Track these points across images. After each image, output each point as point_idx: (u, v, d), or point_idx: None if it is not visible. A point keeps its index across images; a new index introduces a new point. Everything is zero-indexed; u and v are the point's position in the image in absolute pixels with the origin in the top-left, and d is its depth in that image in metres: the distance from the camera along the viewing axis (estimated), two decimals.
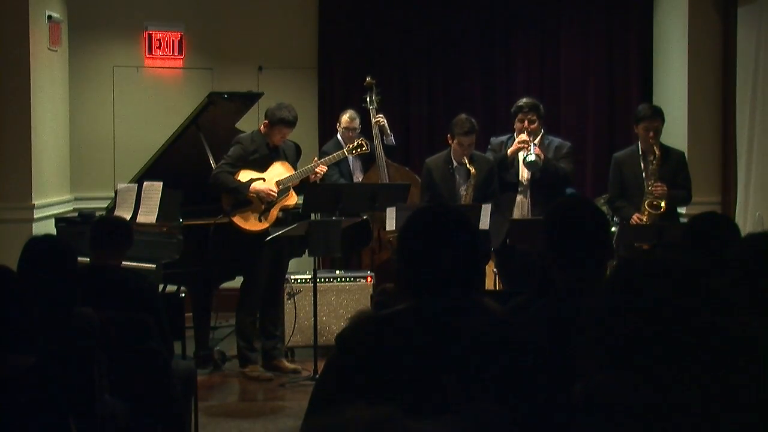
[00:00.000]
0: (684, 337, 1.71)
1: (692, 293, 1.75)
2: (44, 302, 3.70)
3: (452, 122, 7.30)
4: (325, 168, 7.33)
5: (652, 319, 1.74)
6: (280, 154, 7.27)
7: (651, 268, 1.82)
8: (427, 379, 2.32)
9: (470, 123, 7.20)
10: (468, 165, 7.17)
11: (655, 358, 1.72)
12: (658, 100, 9.03)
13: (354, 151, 7.51)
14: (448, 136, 7.30)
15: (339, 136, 8.20)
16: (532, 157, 7.14)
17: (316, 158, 7.43)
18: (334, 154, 7.52)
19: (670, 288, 1.76)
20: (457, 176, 7.33)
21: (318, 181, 7.38)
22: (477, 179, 7.18)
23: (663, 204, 6.87)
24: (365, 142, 7.54)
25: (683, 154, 7.38)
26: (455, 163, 7.31)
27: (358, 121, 8.20)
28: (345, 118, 8.20)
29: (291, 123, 7.11)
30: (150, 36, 9.36)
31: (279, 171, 7.20)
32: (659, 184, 6.91)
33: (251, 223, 7.09)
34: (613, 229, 6.74)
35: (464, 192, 7.26)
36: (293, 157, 7.42)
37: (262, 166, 7.16)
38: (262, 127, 7.20)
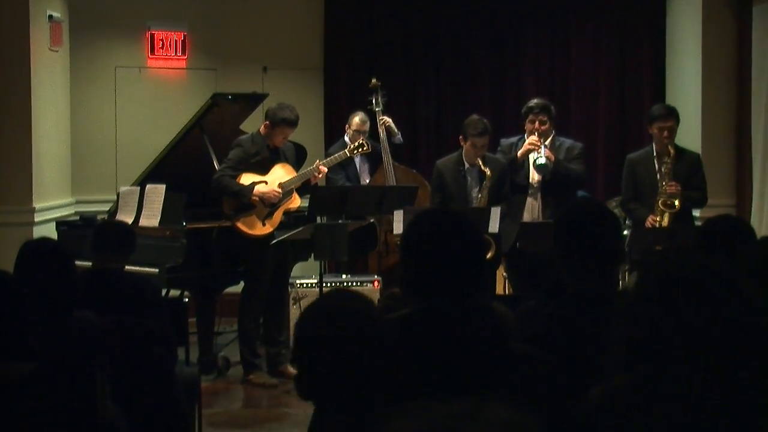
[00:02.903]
0: (705, 339, 1.72)
1: (717, 294, 1.75)
2: (42, 306, 3.71)
3: (464, 123, 7.30)
4: (325, 168, 7.32)
5: (673, 320, 1.75)
6: (280, 156, 7.27)
7: (679, 273, 1.82)
8: (434, 383, 2.33)
9: (483, 124, 7.20)
10: (482, 167, 7.17)
11: (675, 360, 1.73)
12: (671, 100, 9.02)
13: (356, 151, 7.51)
14: (460, 137, 7.30)
15: (347, 138, 8.20)
16: (542, 160, 7.14)
17: (318, 160, 7.43)
18: (336, 155, 7.52)
19: (696, 292, 1.76)
20: (469, 178, 7.32)
21: (318, 183, 7.38)
22: (492, 181, 7.17)
23: (677, 203, 6.86)
24: (366, 142, 7.54)
25: (698, 155, 7.36)
26: (467, 165, 7.30)
27: (368, 124, 8.21)
28: (356, 120, 8.21)
29: (293, 123, 7.11)
30: (152, 36, 9.38)
31: (281, 173, 7.20)
32: (673, 182, 6.90)
33: (255, 228, 7.09)
34: (625, 232, 6.73)
35: (477, 195, 7.25)
36: (293, 158, 7.42)
37: (264, 169, 7.15)
38: (262, 128, 7.19)
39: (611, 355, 1.94)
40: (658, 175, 7.00)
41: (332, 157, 7.54)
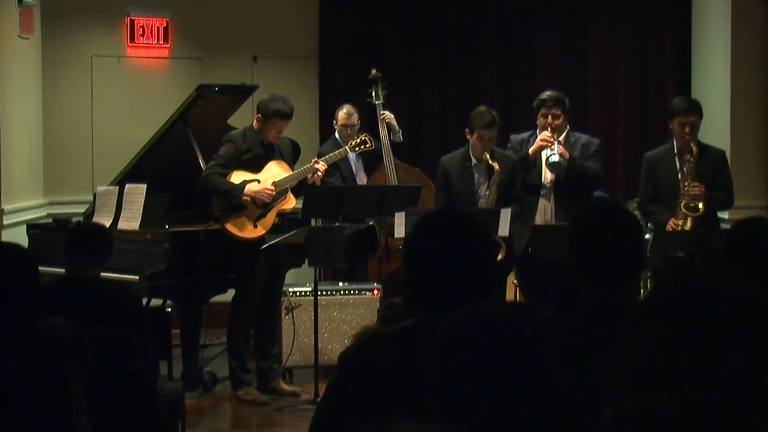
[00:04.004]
0: (720, 355, 1.73)
1: (732, 310, 1.76)
2: (5, 316, 3.70)
3: (471, 115, 7.31)
4: (325, 166, 7.32)
5: (686, 337, 1.76)
6: (275, 153, 7.27)
7: (688, 288, 1.84)
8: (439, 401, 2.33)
9: (491, 115, 7.22)
10: (489, 161, 7.17)
11: (689, 378, 1.74)
12: (697, 93, 9.03)
13: (357, 148, 7.52)
14: (466, 130, 7.31)
15: (337, 135, 8.21)
16: (555, 158, 7.14)
17: (314, 159, 7.43)
18: (335, 152, 7.53)
19: (709, 308, 1.78)
20: (477, 175, 7.33)
21: (318, 183, 7.39)
22: (500, 177, 7.18)
23: (701, 205, 6.86)
24: (369, 138, 7.55)
25: (723, 152, 7.36)
26: (474, 161, 7.31)
27: (356, 117, 8.21)
28: (341, 114, 8.22)
29: (287, 115, 7.11)
30: (132, 22, 9.38)
31: (275, 171, 7.21)
32: (696, 183, 6.90)
33: (246, 230, 7.10)
34: (646, 236, 6.74)
35: (485, 192, 7.26)
36: (289, 155, 7.43)
37: (257, 167, 7.16)
38: (254, 122, 7.20)
39: (621, 373, 1.95)
40: (680, 175, 7.00)
41: (332, 154, 7.53)
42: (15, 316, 3.77)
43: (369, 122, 8.42)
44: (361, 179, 8.31)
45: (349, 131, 8.03)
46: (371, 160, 8.31)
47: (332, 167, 7.91)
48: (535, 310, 2.24)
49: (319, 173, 7.27)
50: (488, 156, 7.19)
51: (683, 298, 1.79)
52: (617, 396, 1.98)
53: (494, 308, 2.15)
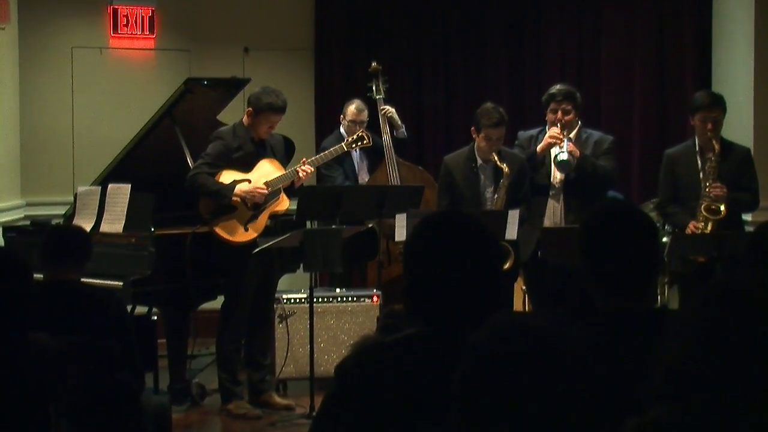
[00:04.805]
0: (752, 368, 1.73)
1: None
2: None
3: (477, 113, 7.31)
4: (310, 169, 7.28)
5: (722, 346, 1.77)
6: (267, 151, 7.27)
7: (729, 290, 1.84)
8: (440, 416, 2.34)
9: (499, 113, 7.21)
10: (498, 163, 7.17)
11: (720, 393, 1.74)
12: (717, 87, 9.02)
13: (353, 145, 7.52)
14: (472, 129, 7.31)
15: (342, 130, 8.22)
16: (564, 156, 7.14)
17: (304, 159, 7.39)
18: (330, 150, 7.53)
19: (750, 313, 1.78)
20: (482, 176, 7.33)
21: (303, 184, 7.35)
22: (509, 179, 7.17)
23: (722, 208, 6.85)
24: (366, 135, 7.55)
25: (748, 150, 7.36)
26: (480, 161, 7.32)
27: (366, 113, 8.24)
28: (351, 109, 8.23)
29: (280, 109, 7.11)
30: (116, 11, 9.37)
31: (267, 170, 7.20)
32: (718, 184, 6.90)
33: (236, 233, 7.10)
34: (664, 239, 6.74)
35: (491, 195, 7.26)
36: (282, 153, 7.42)
37: (247, 165, 7.16)
38: (245, 117, 7.18)
39: (649, 383, 1.95)
40: (701, 174, 7.00)
41: (326, 152, 7.53)
42: (5, 322, 3.78)
43: (369, 118, 8.41)
44: (363, 179, 8.32)
45: (358, 128, 8.03)
46: (375, 158, 8.32)
47: (335, 164, 7.91)
48: (567, 321, 2.24)
49: (303, 177, 7.20)
50: (496, 156, 7.19)
51: (717, 306, 1.80)
52: (641, 406, 1.99)
53: (528, 320, 2.15)
